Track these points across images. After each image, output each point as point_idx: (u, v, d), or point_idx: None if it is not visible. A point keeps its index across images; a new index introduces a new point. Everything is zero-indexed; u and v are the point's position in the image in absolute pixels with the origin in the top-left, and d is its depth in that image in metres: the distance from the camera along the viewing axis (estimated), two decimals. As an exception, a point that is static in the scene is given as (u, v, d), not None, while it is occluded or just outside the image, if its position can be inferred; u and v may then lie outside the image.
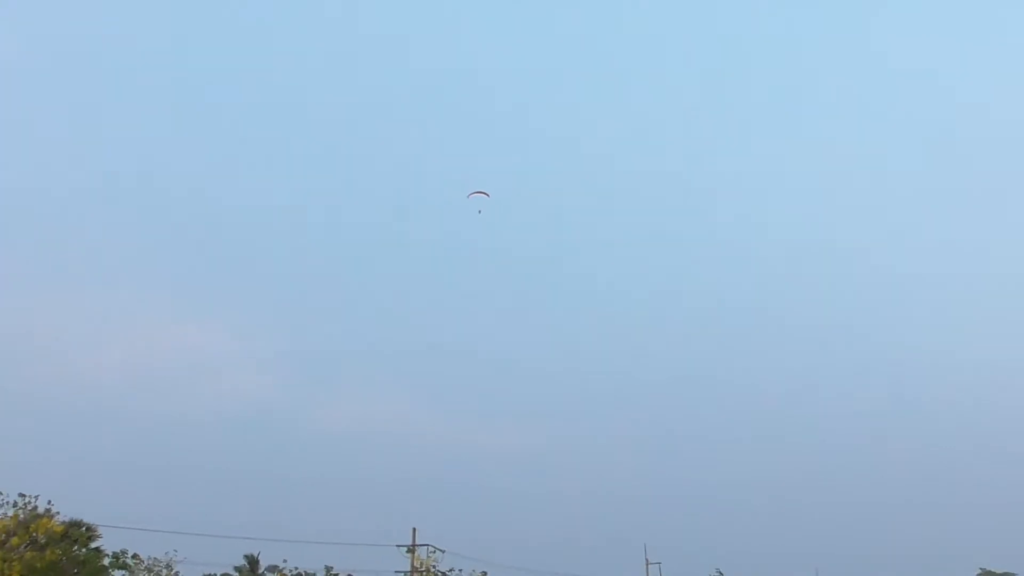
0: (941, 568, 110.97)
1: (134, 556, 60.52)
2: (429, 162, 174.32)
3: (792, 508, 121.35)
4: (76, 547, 56.42)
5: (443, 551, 63.83)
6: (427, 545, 63.07)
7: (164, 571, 61.15)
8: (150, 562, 61.21)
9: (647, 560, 75.82)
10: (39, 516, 53.41)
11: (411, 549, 62.34)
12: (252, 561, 65.87)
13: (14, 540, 51.83)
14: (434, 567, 62.88)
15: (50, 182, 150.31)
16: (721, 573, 70.83)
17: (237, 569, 65.54)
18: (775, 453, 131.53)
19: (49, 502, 54.78)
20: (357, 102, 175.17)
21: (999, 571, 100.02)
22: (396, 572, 62.75)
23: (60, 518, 54.65)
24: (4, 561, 51.05)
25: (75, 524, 56.19)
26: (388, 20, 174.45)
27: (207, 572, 65.47)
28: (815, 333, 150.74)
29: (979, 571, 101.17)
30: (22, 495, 54.14)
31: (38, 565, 51.94)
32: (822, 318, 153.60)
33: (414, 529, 63.43)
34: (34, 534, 52.82)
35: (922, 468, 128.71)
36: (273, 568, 64.59)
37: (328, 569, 65.43)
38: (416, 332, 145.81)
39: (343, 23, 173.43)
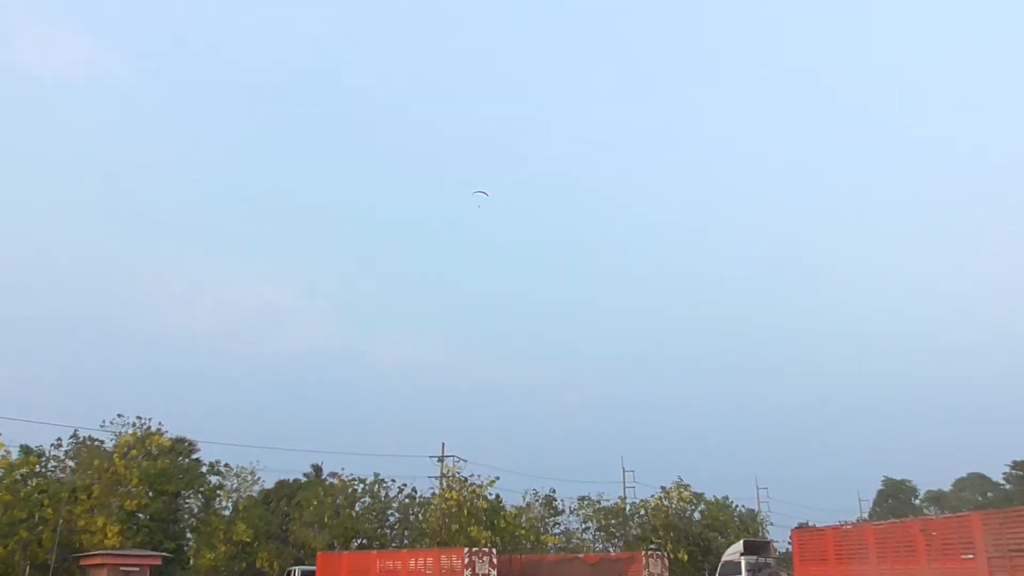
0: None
1: (225, 465, 65.88)
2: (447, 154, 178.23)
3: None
4: (181, 458, 63.39)
5: (465, 460, 68.87)
6: (453, 456, 69.14)
7: (249, 477, 66.42)
8: (238, 470, 66.24)
9: (623, 469, 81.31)
10: (152, 434, 61.14)
11: (440, 459, 69.05)
12: (317, 469, 71.56)
13: (133, 452, 59.48)
14: (458, 473, 67.53)
15: (160, 178, 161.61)
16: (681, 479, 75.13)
17: (305, 475, 70.93)
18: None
19: (160, 423, 62.59)
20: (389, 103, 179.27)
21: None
22: (429, 477, 69.34)
23: (168, 435, 62.34)
24: (126, 468, 58.12)
25: (180, 440, 63.73)
26: None
27: (282, 478, 70.40)
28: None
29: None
30: (139, 417, 61.88)
31: (152, 472, 59.34)
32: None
33: (443, 443, 70.24)
34: (148, 448, 60.54)
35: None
36: (333, 474, 67.97)
37: (376, 475, 68.40)
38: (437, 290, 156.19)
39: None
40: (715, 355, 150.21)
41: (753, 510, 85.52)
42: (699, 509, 76.81)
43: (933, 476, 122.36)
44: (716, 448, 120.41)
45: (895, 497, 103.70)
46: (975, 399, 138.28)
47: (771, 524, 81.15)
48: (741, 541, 40.72)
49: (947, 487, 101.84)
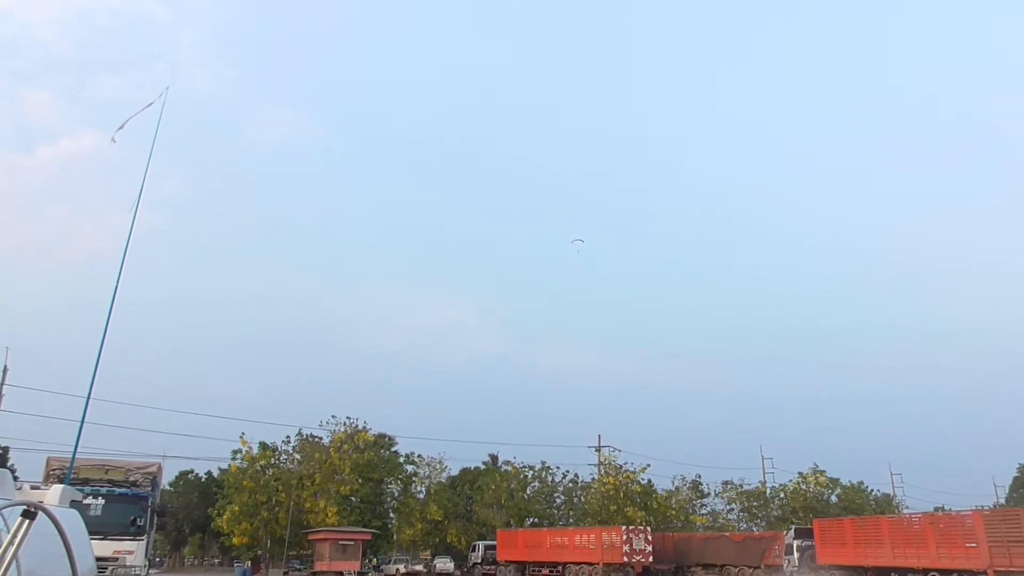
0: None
1: (418, 456, 68.92)
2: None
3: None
4: (383, 450, 66.31)
5: (620, 450, 69.58)
6: (608, 446, 69.83)
7: (438, 465, 69.56)
8: (429, 459, 69.33)
9: (762, 456, 79.01)
10: (359, 431, 64.49)
11: (597, 449, 69.79)
12: (494, 458, 73.65)
13: (345, 446, 63.13)
14: (614, 461, 68.21)
15: (351, 223, 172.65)
16: (817, 466, 72.14)
17: (484, 463, 73.05)
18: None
19: (365, 421, 65.92)
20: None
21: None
22: (588, 464, 70.53)
23: (372, 432, 65.26)
24: (340, 460, 61.80)
25: (382, 436, 66.70)
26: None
27: (464, 466, 72.82)
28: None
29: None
30: (348, 417, 65.30)
31: (360, 462, 62.65)
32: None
33: (599, 435, 71.03)
34: (357, 442, 63.83)
35: None
36: (507, 463, 70.16)
37: (543, 463, 70.18)
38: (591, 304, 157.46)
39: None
40: (850, 353, 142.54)
41: (888, 494, 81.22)
42: (835, 493, 74.08)
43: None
44: (853, 438, 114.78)
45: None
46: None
47: (906, 508, 76.93)
48: (793, 528, 43.11)
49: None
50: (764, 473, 77.89)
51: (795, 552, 39.92)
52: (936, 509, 67.66)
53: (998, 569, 27.07)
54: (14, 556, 3.99)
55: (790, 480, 74.23)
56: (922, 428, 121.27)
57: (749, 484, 75.31)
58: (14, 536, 3.93)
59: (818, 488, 72.54)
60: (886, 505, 76.84)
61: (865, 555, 33.73)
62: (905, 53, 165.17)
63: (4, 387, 48.54)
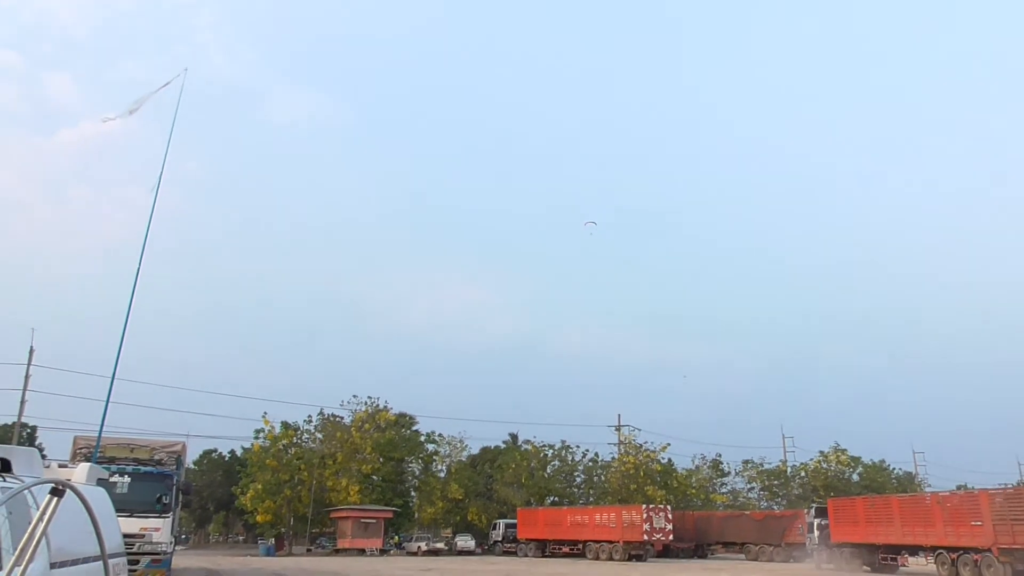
0: None
1: (439, 435, 69.13)
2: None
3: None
4: (403, 430, 66.94)
5: (639, 429, 69.94)
6: (628, 425, 70.01)
7: (458, 445, 69.62)
8: (449, 438, 69.31)
9: (783, 435, 78.68)
10: (380, 410, 65.07)
11: (617, 428, 69.99)
12: (514, 437, 73.50)
13: (366, 426, 63.70)
14: (633, 440, 68.64)
15: (371, 203, 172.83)
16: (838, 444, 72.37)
17: (504, 443, 73.10)
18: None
19: (386, 401, 66.44)
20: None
21: None
22: (608, 444, 70.86)
23: (393, 411, 65.88)
24: (361, 439, 62.30)
25: (402, 415, 67.37)
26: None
27: (485, 444, 73.31)
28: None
29: None
30: (369, 397, 66.07)
31: (381, 442, 63.19)
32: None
33: (619, 415, 71.13)
34: (378, 422, 64.44)
35: None
36: (527, 442, 70.31)
37: (563, 442, 70.48)
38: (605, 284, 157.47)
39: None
40: (872, 332, 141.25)
41: (911, 473, 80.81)
42: (857, 472, 73.78)
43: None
44: (875, 416, 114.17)
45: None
46: None
47: (928, 487, 76.55)
48: (814, 507, 43.13)
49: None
50: (785, 452, 78.02)
51: (815, 531, 40.34)
52: (958, 487, 67.08)
53: (1002, 546, 27.72)
54: (43, 533, 4.04)
55: (811, 459, 74.18)
56: (946, 406, 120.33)
57: (770, 463, 75.42)
58: (43, 513, 3.98)
59: (839, 467, 72.35)
60: (908, 483, 76.53)
61: (876, 533, 34.64)
62: None
63: (31, 368, 49.43)
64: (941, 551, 30.90)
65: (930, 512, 31.85)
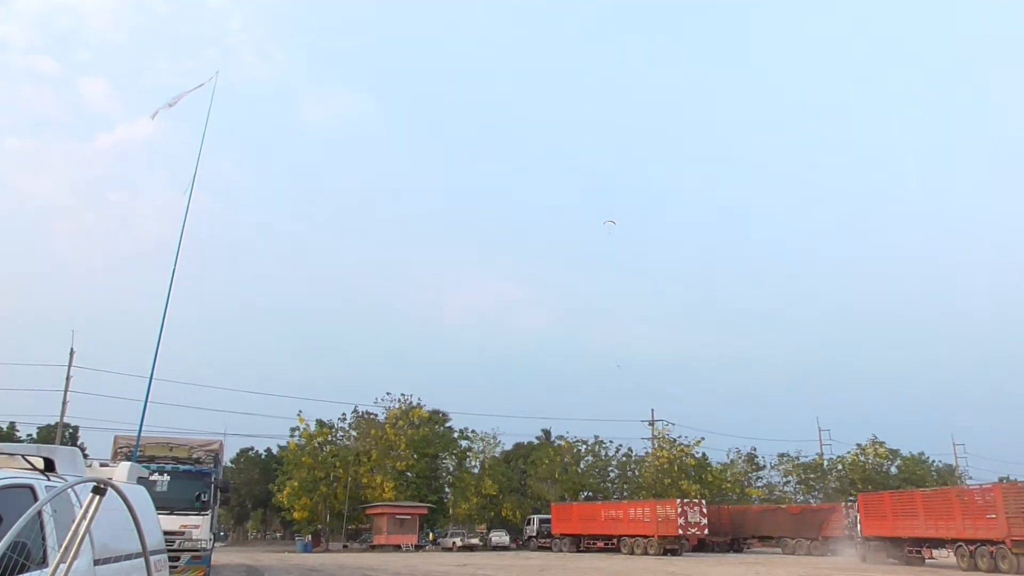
0: None
1: (472, 431, 69.18)
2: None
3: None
4: (437, 426, 67.12)
5: (673, 424, 69.57)
6: (662, 420, 69.67)
7: (492, 441, 69.57)
8: (483, 435, 69.35)
9: (819, 428, 78.00)
10: (414, 407, 65.50)
11: (651, 423, 69.75)
12: (547, 433, 73.54)
13: (400, 423, 64.25)
14: (667, 434, 68.28)
15: (404, 200, 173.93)
16: (876, 437, 70.92)
17: (537, 438, 72.92)
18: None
19: (419, 398, 66.94)
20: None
21: None
22: (642, 438, 70.60)
23: (426, 408, 66.19)
24: (395, 436, 62.90)
25: (436, 412, 67.54)
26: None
27: (518, 440, 72.80)
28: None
29: None
30: (403, 394, 66.37)
31: (415, 438, 63.70)
32: None
33: (652, 409, 70.93)
34: (412, 419, 64.89)
35: None
36: (560, 437, 70.35)
37: (596, 437, 70.36)
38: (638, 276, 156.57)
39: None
40: (910, 323, 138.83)
41: (951, 465, 79.42)
42: (895, 464, 72.71)
43: None
44: (914, 408, 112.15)
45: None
46: None
47: (969, 479, 75.09)
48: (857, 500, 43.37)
49: None
50: (821, 445, 77.16)
51: (858, 524, 40.20)
52: (1001, 479, 65.92)
53: (1015, 538, 28.73)
54: (87, 530, 4.17)
55: (848, 452, 73.23)
56: (988, 397, 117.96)
57: (806, 456, 74.55)
58: (86, 511, 4.10)
59: (877, 459, 71.33)
60: (948, 476, 75.22)
61: (902, 527, 35.72)
62: None
63: (72, 369, 50.54)
64: (961, 544, 31.81)
65: (951, 506, 32.80)
